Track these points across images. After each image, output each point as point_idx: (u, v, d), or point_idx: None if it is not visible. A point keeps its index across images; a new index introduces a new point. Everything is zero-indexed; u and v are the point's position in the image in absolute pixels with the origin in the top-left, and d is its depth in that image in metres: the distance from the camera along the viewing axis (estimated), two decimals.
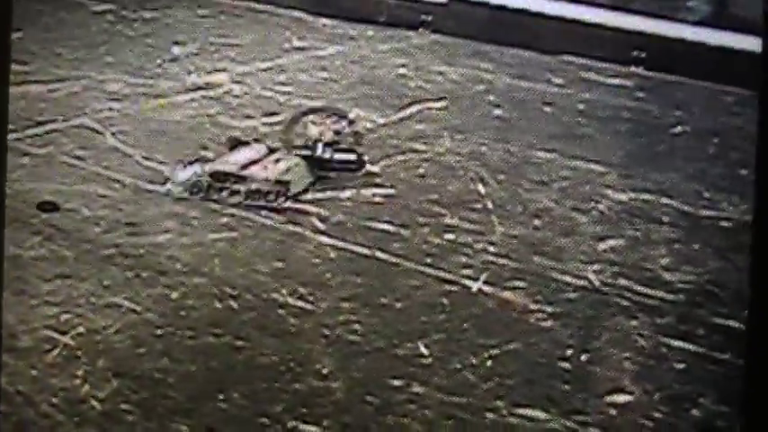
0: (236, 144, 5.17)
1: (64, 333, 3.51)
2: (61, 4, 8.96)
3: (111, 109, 5.94)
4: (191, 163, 4.88)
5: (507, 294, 3.90)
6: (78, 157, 5.10)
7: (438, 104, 6.39)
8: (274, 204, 4.58)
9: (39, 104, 5.93)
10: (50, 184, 4.74)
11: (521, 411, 3.33)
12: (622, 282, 4.06)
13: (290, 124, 5.33)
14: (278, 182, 4.67)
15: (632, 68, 7.60)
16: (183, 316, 3.65)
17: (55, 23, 8.23)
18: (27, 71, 6.60)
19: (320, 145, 5.07)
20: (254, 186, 4.63)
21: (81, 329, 3.54)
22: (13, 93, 6.05)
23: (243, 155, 5.00)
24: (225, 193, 4.67)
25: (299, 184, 4.77)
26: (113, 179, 4.84)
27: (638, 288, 4.01)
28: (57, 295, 3.73)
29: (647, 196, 4.93)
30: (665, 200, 4.83)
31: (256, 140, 5.28)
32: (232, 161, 4.89)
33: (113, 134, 5.48)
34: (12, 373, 3.33)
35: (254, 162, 4.90)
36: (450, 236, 4.37)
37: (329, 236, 4.31)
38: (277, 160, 4.93)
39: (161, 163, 5.05)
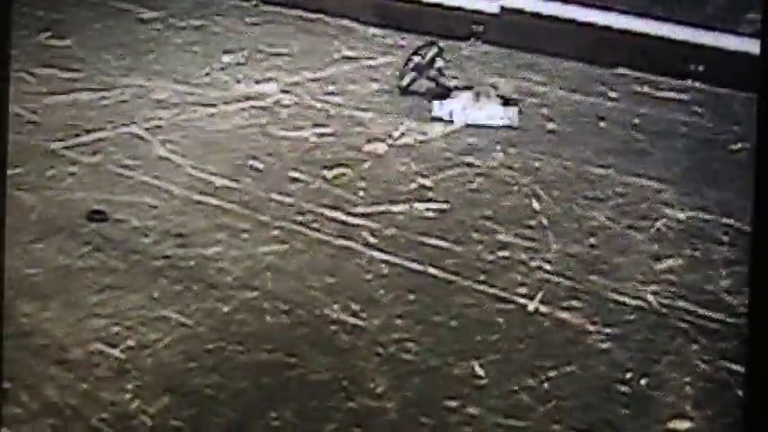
0: None
1: (114, 346, 3.46)
2: (109, 12, 8.97)
3: (159, 117, 5.91)
4: None
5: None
6: (127, 167, 5.06)
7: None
8: None
9: (87, 112, 5.91)
10: (99, 193, 4.70)
11: None
12: (682, 303, 3.96)
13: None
14: None
15: (689, 82, 7.48)
16: (233, 331, 3.59)
17: (103, 31, 8.23)
18: (75, 78, 6.60)
19: None
20: None
21: (131, 343, 3.49)
22: (61, 101, 6.09)
23: None
24: None
25: None
26: (163, 189, 4.79)
27: (699, 310, 3.90)
28: (106, 307, 3.68)
29: (705, 215, 4.82)
30: (725, 219, 4.71)
31: None
32: None
33: (162, 143, 5.44)
34: (61, 386, 3.29)
35: None
36: (504, 252, 4.28)
37: (381, 251, 4.23)
38: None
39: (210, 173, 5.00)
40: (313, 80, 7.00)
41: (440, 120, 6.28)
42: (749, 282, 2.21)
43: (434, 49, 6.71)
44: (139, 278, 3.91)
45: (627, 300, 3.96)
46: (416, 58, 6.65)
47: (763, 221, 2.16)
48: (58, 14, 8.64)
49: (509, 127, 6.22)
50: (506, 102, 6.54)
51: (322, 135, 5.72)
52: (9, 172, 4.76)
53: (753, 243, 2.22)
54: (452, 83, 6.68)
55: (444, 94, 6.40)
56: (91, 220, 4.41)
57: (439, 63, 6.55)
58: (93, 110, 5.97)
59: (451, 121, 6.17)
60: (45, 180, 4.83)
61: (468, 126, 6.13)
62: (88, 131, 5.55)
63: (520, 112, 6.44)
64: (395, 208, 4.68)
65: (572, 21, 8.22)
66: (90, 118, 5.80)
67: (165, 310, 3.68)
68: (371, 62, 7.49)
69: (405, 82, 6.59)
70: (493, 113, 6.35)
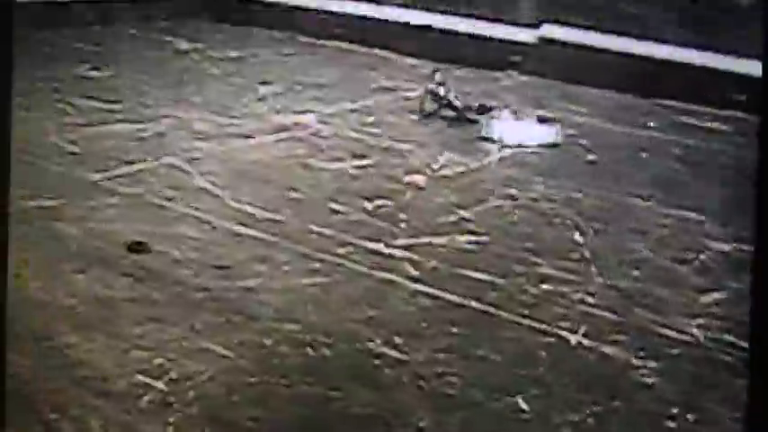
0: None
1: (156, 378, 3.44)
2: (148, 43, 9.04)
3: (198, 149, 5.92)
4: None
5: None
6: (167, 198, 5.07)
7: (529, 149, 6.29)
8: None
9: (127, 144, 5.94)
10: (139, 224, 4.71)
11: None
12: (728, 337, 3.90)
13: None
14: None
15: (731, 112, 7.43)
16: (275, 363, 3.57)
17: (142, 62, 8.28)
18: (115, 110, 6.63)
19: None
20: None
21: (173, 375, 3.47)
22: (101, 132, 6.11)
23: None
24: None
25: None
26: (203, 220, 4.79)
27: (745, 344, 3.84)
28: (148, 339, 3.67)
29: (749, 247, 4.76)
30: None
31: None
32: None
33: (201, 174, 5.44)
34: (105, 417, 3.27)
35: None
36: (546, 286, 4.25)
37: (423, 283, 4.20)
38: None
39: (250, 205, 5.00)
40: (351, 111, 7.01)
41: (487, 140, 6.33)
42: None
43: (437, 78, 7.09)
44: (181, 310, 3.90)
45: (672, 333, 3.91)
46: (432, 86, 7.02)
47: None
48: (98, 47, 8.71)
49: (554, 145, 6.36)
50: (543, 121, 6.72)
51: (361, 166, 5.71)
52: (50, 203, 4.83)
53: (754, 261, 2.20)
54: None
55: (462, 117, 6.81)
56: (132, 251, 4.40)
57: (441, 91, 6.94)
58: (133, 141, 5.99)
59: (499, 142, 6.31)
60: (86, 211, 4.84)
61: (515, 147, 6.18)
62: (128, 163, 5.57)
63: (558, 133, 6.57)
64: (435, 240, 4.65)
65: (612, 51, 8.20)
66: (129, 149, 5.82)
67: (207, 342, 3.66)
68: (409, 93, 7.49)
69: (427, 108, 6.96)
70: (537, 133, 6.40)
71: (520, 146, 6.32)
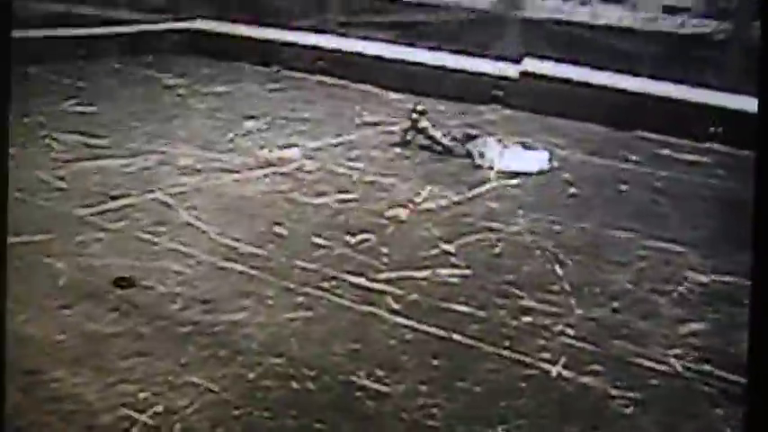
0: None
1: (142, 411, 3.48)
2: (135, 79, 9.10)
3: (184, 183, 5.98)
4: None
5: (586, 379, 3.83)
6: (153, 233, 5.12)
7: (512, 182, 6.36)
8: None
9: (114, 179, 5.99)
10: (126, 259, 4.76)
11: None
12: (706, 367, 3.96)
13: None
14: None
15: (710, 144, 7.53)
16: (259, 396, 3.61)
17: (129, 97, 8.35)
18: (102, 145, 6.69)
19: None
20: None
21: (159, 408, 3.51)
22: (88, 167, 6.15)
23: None
24: None
25: None
26: (188, 255, 4.84)
27: (723, 374, 3.91)
28: (135, 373, 3.71)
29: (729, 278, 4.84)
30: (747, 282, 4.71)
31: None
32: None
33: (187, 209, 5.50)
34: None
35: None
36: (527, 318, 4.31)
37: (405, 317, 4.26)
38: None
39: (235, 240, 5.05)
40: (335, 145, 7.08)
41: (480, 168, 6.43)
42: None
43: (419, 109, 7.25)
44: (167, 344, 3.94)
45: (650, 364, 3.97)
46: (414, 117, 7.20)
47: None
48: (85, 82, 8.77)
49: (541, 172, 6.58)
50: (528, 148, 6.94)
51: (345, 201, 5.77)
52: (38, 237, 4.88)
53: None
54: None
55: (445, 149, 7.04)
56: (118, 286, 4.45)
57: (424, 123, 7.13)
58: (120, 176, 6.05)
59: (484, 171, 6.49)
60: (73, 246, 4.88)
61: (500, 174, 6.30)
62: (114, 198, 5.62)
63: (549, 159, 6.74)
64: (418, 274, 4.71)
65: (592, 85, 8.29)
66: (116, 185, 5.87)
67: (193, 376, 3.70)
68: (393, 127, 7.57)
69: (408, 137, 7.21)
70: (527, 160, 6.53)
71: (505, 174, 6.41)
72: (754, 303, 2.20)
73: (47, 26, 9.85)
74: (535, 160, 6.68)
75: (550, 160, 6.78)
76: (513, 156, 6.67)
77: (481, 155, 6.68)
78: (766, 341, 2.14)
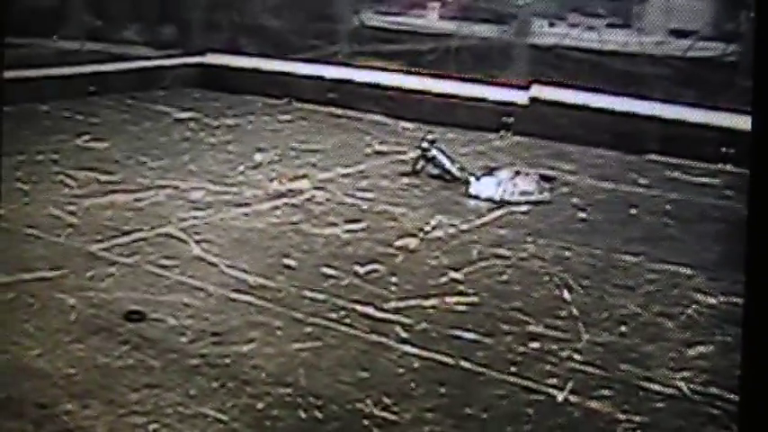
0: None
1: None
2: (145, 113, 9.18)
3: (194, 217, 6.02)
4: None
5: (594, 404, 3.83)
6: (163, 266, 5.16)
7: (521, 208, 6.39)
8: None
9: (125, 214, 6.04)
10: (137, 293, 4.79)
11: None
12: (713, 390, 3.97)
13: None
14: None
15: (720, 166, 7.54)
16: (268, 426, 3.64)
17: (140, 132, 8.42)
18: (113, 181, 6.74)
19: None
20: None
21: None
22: (100, 202, 6.20)
23: None
24: None
25: None
26: (198, 288, 4.87)
27: (731, 396, 3.91)
28: (144, 405, 3.74)
29: (737, 300, 4.84)
30: None
31: None
32: None
33: (197, 243, 5.54)
34: None
35: None
36: (534, 344, 4.32)
37: (413, 345, 4.28)
38: None
39: (245, 272, 5.09)
40: (345, 176, 7.12)
41: (476, 197, 6.45)
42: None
43: (428, 139, 7.30)
44: (176, 376, 3.97)
45: (657, 387, 3.98)
46: (424, 145, 7.24)
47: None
48: (97, 118, 8.86)
49: (542, 202, 6.52)
50: (546, 179, 6.92)
51: (354, 231, 5.81)
52: (50, 274, 4.93)
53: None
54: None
55: (454, 178, 7.05)
56: (129, 319, 4.49)
57: (433, 152, 7.16)
58: (131, 211, 6.10)
59: (486, 199, 6.47)
60: (85, 281, 4.93)
61: (507, 206, 6.32)
62: (126, 233, 5.67)
63: (552, 190, 6.71)
64: (426, 302, 4.74)
65: (601, 109, 8.32)
66: (127, 219, 5.92)
67: (202, 407, 3.73)
68: (403, 156, 7.61)
69: (418, 167, 7.22)
70: (528, 190, 6.51)
71: (512, 204, 6.43)
72: (746, 323, 2.22)
73: (59, 64, 9.96)
74: (536, 192, 6.67)
75: (551, 189, 6.78)
76: (511, 187, 6.65)
77: (482, 185, 6.67)
78: (758, 362, 2.15)
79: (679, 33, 9.37)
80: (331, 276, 5.06)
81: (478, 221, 6.10)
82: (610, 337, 4.43)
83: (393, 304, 4.70)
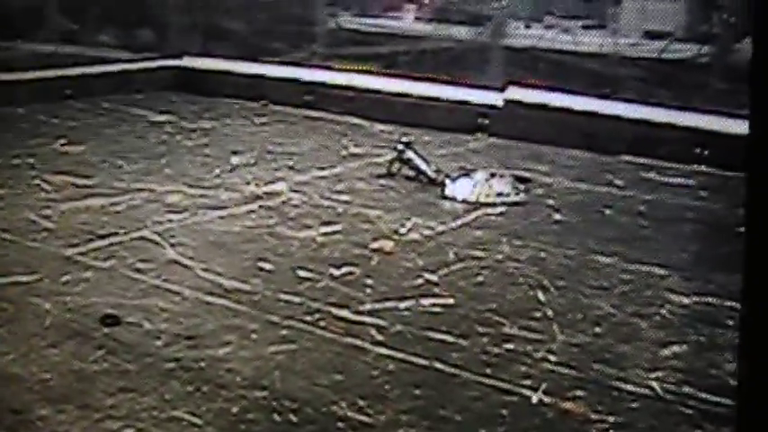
0: None
1: None
2: (122, 117, 9.17)
3: (170, 221, 6.02)
4: None
5: (567, 404, 3.85)
6: (139, 270, 5.16)
7: (496, 210, 6.41)
8: None
9: (101, 218, 6.03)
10: (112, 297, 4.79)
11: None
12: (687, 389, 3.99)
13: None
14: None
15: (695, 167, 7.59)
16: (243, 430, 3.64)
17: (116, 136, 8.41)
18: (89, 185, 6.73)
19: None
20: None
21: None
22: (76, 206, 6.18)
23: None
24: None
25: None
26: (174, 292, 4.87)
27: (704, 395, 3.94)
28: (120, 409, 3.74)
29: (711, 299, 4.88)
30: (729, 303, 4.77)
31: None
32: None
33: (173, 246, 5.54)
34: None
35: None
36: (509, 345, 4.34)
37: (388, 347, 4.29)
38: None
39: (220, 275, 5.09)
40: (321, 178, 7.13)
41: (455, 201, 6.48)
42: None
43: (404, 141, 7.33)
44: (151, 380, 3.97)
45: (631, 387, 4.00)
46: (399, 147, 7.24)
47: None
48: (74, 121, 8.84)
49: (517, 203, 6.54)
50: (521, 180, 6.96)
51: (330, 233, 5.82)
52: (25, 278, 4.92)
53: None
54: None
55: (430, 180, 7.05)
56: (104, 324, 4.49)
57: (409, 154, 7.18)
58: (107, 215, 6.09)
59: (462, 201, 6.52)
60: (60, 286, 4.92)
61: (482, 208, 6.33)
62: (101, 237, 5.66)
63: (527, 191, 6.73)
64: (401, 304, 4.75)
65: (576, 111, 8.36)
66: (103, 223, 5.92)
67: (177, 411, 3.73)
68: (378, 158, 7.63)
69: (393, 169, 7.26)
70: (504, 191, 6.54)
71: (488, 205, 6.45)
72: (744, 326, 2.23)
73: (35, 67, 9.94)
74: (510, 193, 6.68)
75: (527, 190, 6.80)
76: (486, 189, 6.67)
77: (457, 187, 6.70)
78: (757, 362, 2.17)
79: (653, 35, 9.43)
80: (306, 279, 5.07)
81: (454, 223, 6.12)
82: (584, 337, 4.45)
83: (368, 306, 4.71)
